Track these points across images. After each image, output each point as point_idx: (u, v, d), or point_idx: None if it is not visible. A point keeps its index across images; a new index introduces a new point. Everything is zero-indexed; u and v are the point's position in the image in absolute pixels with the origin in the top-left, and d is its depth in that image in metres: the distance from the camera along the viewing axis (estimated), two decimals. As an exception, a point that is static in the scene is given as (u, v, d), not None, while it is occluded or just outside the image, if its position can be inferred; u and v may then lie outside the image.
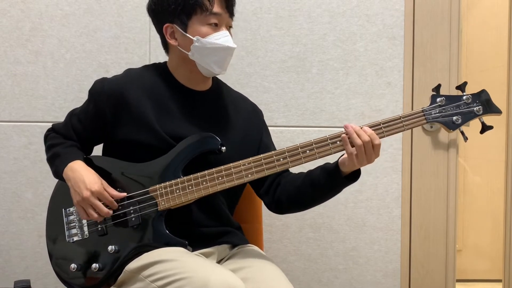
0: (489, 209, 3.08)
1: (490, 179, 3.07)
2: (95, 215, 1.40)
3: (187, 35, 1.44)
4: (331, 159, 1.41)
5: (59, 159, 1.48)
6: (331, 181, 1.41)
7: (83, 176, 1.41)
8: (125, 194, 1.42)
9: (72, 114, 1.57)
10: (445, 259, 2.06)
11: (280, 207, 1.53)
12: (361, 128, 1.34)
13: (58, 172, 1.47)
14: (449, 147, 2.03)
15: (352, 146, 1.33)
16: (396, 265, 2.05)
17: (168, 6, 1.44)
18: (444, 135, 2.03)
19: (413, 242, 2.06)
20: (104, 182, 1.43)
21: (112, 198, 1.41)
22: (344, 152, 1.37)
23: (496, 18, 2.96)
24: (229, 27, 1.49)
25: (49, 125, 1.63)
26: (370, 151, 1.33)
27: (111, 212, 1.41)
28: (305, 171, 1.49)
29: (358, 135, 1.33)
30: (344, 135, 1.35)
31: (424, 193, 2.05)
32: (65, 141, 1.54)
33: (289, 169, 1.44)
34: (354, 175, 1.40)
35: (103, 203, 1.40)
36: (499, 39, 2.93)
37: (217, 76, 1.59)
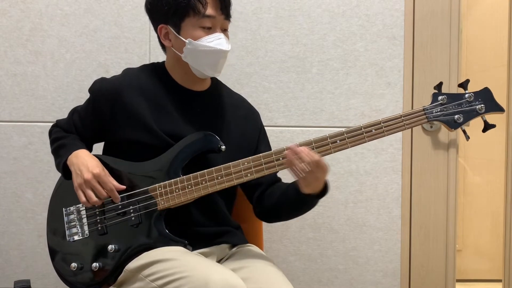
0: (489, 209, 3.08)
1: (490, 179, 3.07)
2: (94, 198, 1.40)
3: (180, 37, 1.44)
4: (331, 159, 1.41)
5: (64, 149, 1.49)
6: (302, 201, 1.42)
7: (86, 161, 1.42)
8: (124, 187, 1.43)
9: (74, 111, 1.59)
10: (445, 259, 2.06)
11: (264, 216, 1.58)
12: (298, 147, 1.33)
13: (62, 161, 1.47)
14: (449, 147, 2.03)
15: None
16: (396, 265, 2.05)
17: (161, 7, 1.44)
18: (444, 135, 2.02)
19: (413, 242, 2.06)
20: (106, 171, 1.43)
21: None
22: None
23: (496, 18, 2.96)
24: (224, 30, 1.47)
25: (49, 125, 1.63)
26: (313, 170, 1.31)
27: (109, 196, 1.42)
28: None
29: (300, 158, 1.31)
30: (287, 159, 1.33)
31: (424, 193, 2.05)
32: (69, 134, 1.55)
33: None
34: (322, 191, 1.41)
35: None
36: (499, 39, 2.93)
37: (217, 77, 1.59)
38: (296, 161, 1.31)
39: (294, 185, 1.42)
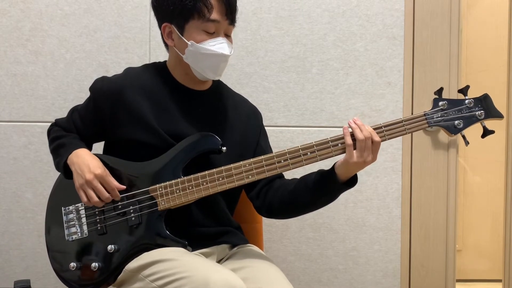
0: (489, 209, 3.08)
1: (490, 179, 3.07)
2: (96, 198, 1.40)
3: (183, 38, 1.43)
4: (332, 161, 1.41)
5: (64, 148, 1.49)
6: (326, 185, 1.40)
7: (87, 160, 1.42)
8: (125, 187, 1.43)
9: (74, 110, 1.59)
10: (445, 259, 2.06)
11: (271, 211, 1.51)
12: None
13: (62, 160, 1.47)
14: (449, 147, 2.03)
15: (353, 140, 1.34)
16: (396, 265, 2.05)
17: (167, 7, 1.44)
18: (444, 135, 2.02)
19: (413, 242, 2.06)
20: (107, 171, 1.43)
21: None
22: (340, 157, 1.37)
23: (496, 18, 2.96)
24: (227, 35, 1.47)
25: (49, 125, 1.63)
26: (369, 147, 1.33)
27: (111, 197, 1.41)
28: (305, 173, 1.49)
29: (361, 130, 1.34)
30: (345, 127, 1.35)
31: (424, 193, 2.05)
32: (68, 134, 1.55)
33: (290, 171, 1.43)
34: (350, 182, 1.39)
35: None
36: (499, 39, 2.93)
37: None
38: (357, 130, 1.33)
39: (318, 174, 1.41)
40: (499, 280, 2.29)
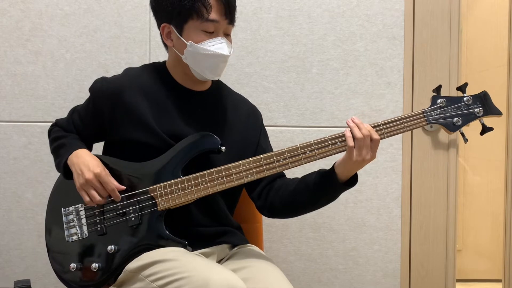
0: (489, 209, 3.08)
1: (490, 179, 3.07)
2: (98, 197, 1.40)
3: (181, 38, 1.43)
4: (331, 160, 1.41)
5: (64, 148, 1.49)
6: (325, 185, 1.40)
7: (87, 161, 1.42)
8: (124, 187, 1.43)
9: (74, 111, 1.59)
10: (445, 259, 2.06)
11: (272, 210, 1.51)
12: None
13: (62, 161, 1.47)
14: (449, 147, 2.03)
15: (353, 139, 1.33)
16: (396, 265, 2.05)
17: (166, 7, 1.44)
18: (444, 135, 2.03)
19: (413, 242, 2.06)
20: (107, 170, 1.43)
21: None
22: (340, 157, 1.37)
23: (496, 18, 2.96)
24: (226, 34, 1.46)
25: (49, 125, 1.63)
26: (367, 145, 1.33)
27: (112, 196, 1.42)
28: (305, 172, 1.49)
29: (359, 129, 1.33)
30: (347, 129, 1.35)
31: (424, 193, 2.05)
32: (69, 134, 1.55)
33: (289, 170, 1.43)
34: (350, 182, 1.39)
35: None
36: (499, 39, 2.93)
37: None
38: (356, 129, 1.33)
39: (318, 173, 1.41)
40: (499, 280, 2.29)
